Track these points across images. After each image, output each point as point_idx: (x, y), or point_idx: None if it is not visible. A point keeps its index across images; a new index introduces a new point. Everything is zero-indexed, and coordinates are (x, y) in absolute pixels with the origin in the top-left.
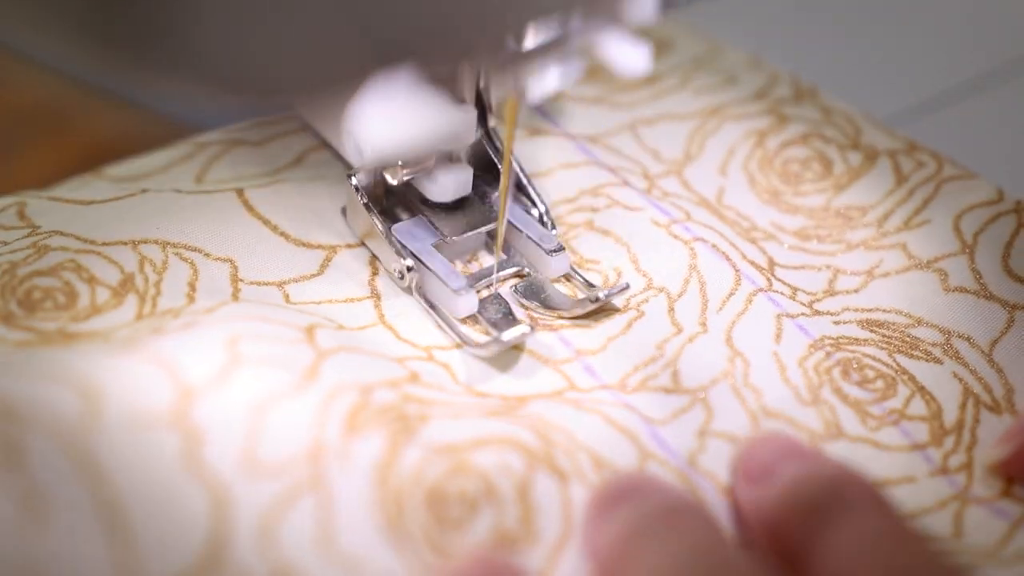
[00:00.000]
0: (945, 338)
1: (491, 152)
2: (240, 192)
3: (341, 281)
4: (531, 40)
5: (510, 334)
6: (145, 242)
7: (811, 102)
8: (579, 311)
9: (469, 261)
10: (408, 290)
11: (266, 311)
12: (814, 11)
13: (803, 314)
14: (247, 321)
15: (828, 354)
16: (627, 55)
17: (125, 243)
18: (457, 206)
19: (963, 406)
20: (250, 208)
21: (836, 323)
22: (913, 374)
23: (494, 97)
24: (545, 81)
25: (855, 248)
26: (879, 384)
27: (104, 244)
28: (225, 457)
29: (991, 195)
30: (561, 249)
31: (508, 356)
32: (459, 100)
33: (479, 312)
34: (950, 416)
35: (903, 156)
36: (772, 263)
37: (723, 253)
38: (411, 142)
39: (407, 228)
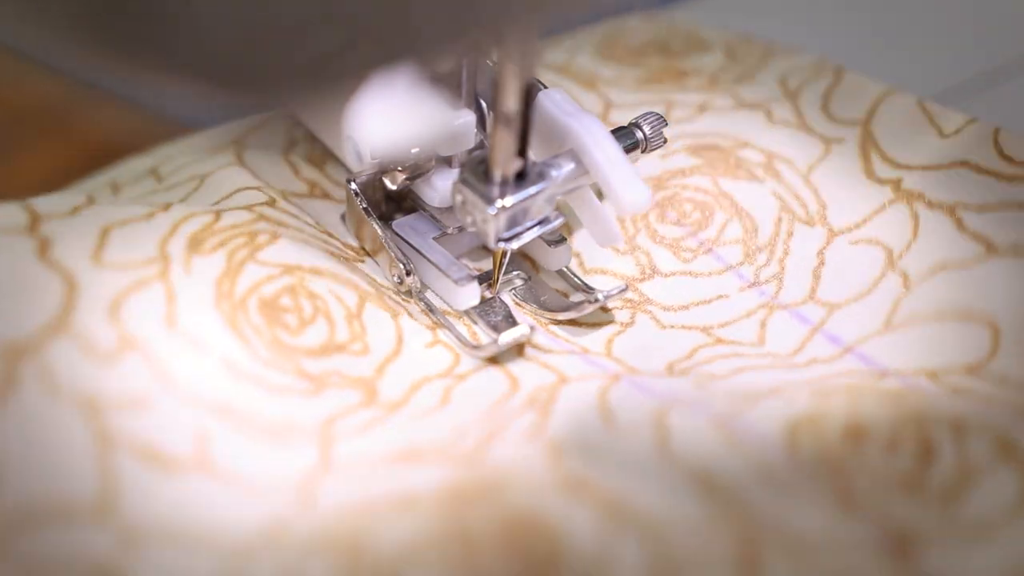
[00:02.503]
0: (767, 159)
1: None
2: None
3: None
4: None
5: (509, 335)
6: None
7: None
8: (577, 313)
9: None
10: (408, 295)
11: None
12: None
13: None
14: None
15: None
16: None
17: None
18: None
19: (778, 221)
20: None
21: (663, 157)
22: (732, 196)
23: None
24: (525, 236)
25: (689, 92)
26: (695, 216)
27: None
28: (75, 256)
29: (814, 60)
30: (563, 240)
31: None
32: (458, 105)
33: (479, 314)
34: (765, 232)
35: (737, 41)
36: (609, 105)
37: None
38: (410, 147)
39: (408, 223)
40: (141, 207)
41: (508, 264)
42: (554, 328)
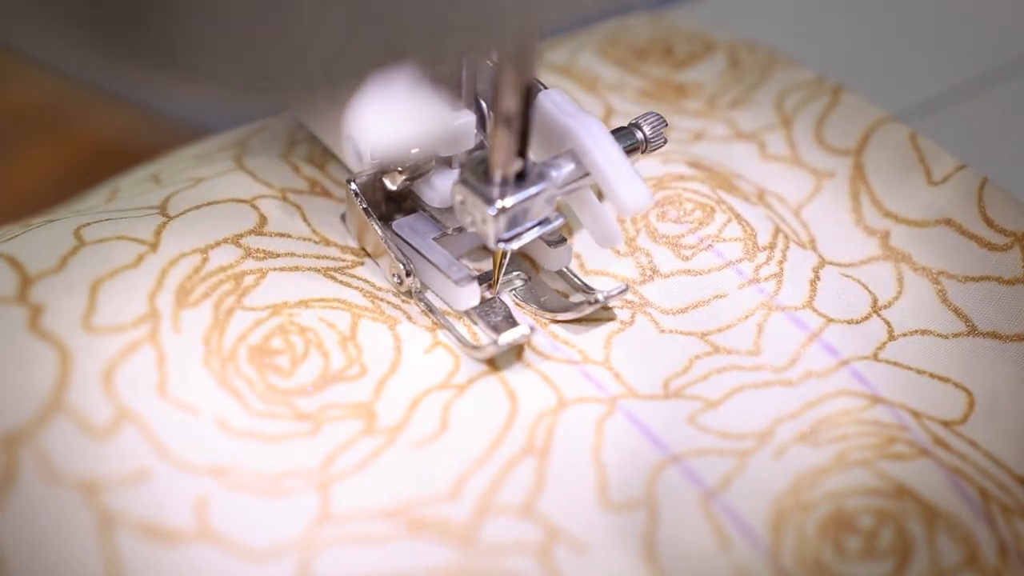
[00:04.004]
0: (759, 192)
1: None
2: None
3: None
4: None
5: (508, 336)
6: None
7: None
8: (577, 314)
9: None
10: (408, 295)
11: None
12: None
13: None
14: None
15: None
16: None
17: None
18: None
19: (776, 234)
20: None
21: (664, 162)
22: (731, 204)
23: None
24: (524, 237)
25: (686, 115)
26: (697, 215)
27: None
28: (66, 322)
29: (813, 77)
30: (563, 241)
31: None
32: (458, 105)
33: (480, 315)
34: (763, 238)
35: (740, 47)
36: (610, 111)
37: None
38: (410, 147)
39: (408, 223)
40: (129, 249)
41: (508, 264)
42: (554, 328)
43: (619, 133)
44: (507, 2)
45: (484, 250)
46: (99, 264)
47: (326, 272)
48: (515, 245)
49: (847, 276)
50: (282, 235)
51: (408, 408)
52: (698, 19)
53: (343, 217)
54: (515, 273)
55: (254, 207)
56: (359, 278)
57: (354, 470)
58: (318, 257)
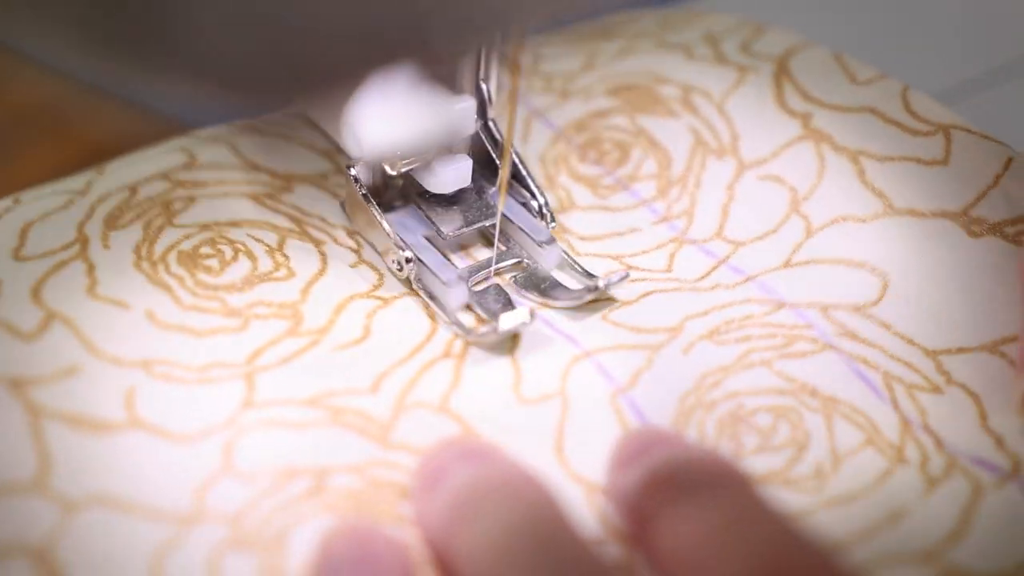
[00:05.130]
0: (684, 93)
1: (490, 144)
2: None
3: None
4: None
5: (507, 322)
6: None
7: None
8: (578, 301)
9: (466, 248)
10: (407, 281)
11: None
12: None
13: (551, 107)
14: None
15: (569, 140)
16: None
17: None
18: (455, 198)
19: (692, 155)
20: None
21: (585, 100)
22: (650, 133)
23: (494, 89)
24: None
25: (613, 40)
26: (615, 155)
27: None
28: None
29: (742, 18)
30: (552, 241)
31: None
32: (458, 92)
33: (479, 302)
34: (678, 167)
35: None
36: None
37: None
38: (410, 135)
39: (399, 219)
40: (62, 196)
41: (507, 252)
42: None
43: None
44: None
45: (474, 247)
46: (31, 212)
47: (255, 196)
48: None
49: (766, 178)
50: (212, 166)
51: (333, 312)
52: (787, 35)
53: (343, 205)
54: (514, 260)
55: (185, 150)
56: (287, 203)
57: (278, 363)
58: (248, 183)
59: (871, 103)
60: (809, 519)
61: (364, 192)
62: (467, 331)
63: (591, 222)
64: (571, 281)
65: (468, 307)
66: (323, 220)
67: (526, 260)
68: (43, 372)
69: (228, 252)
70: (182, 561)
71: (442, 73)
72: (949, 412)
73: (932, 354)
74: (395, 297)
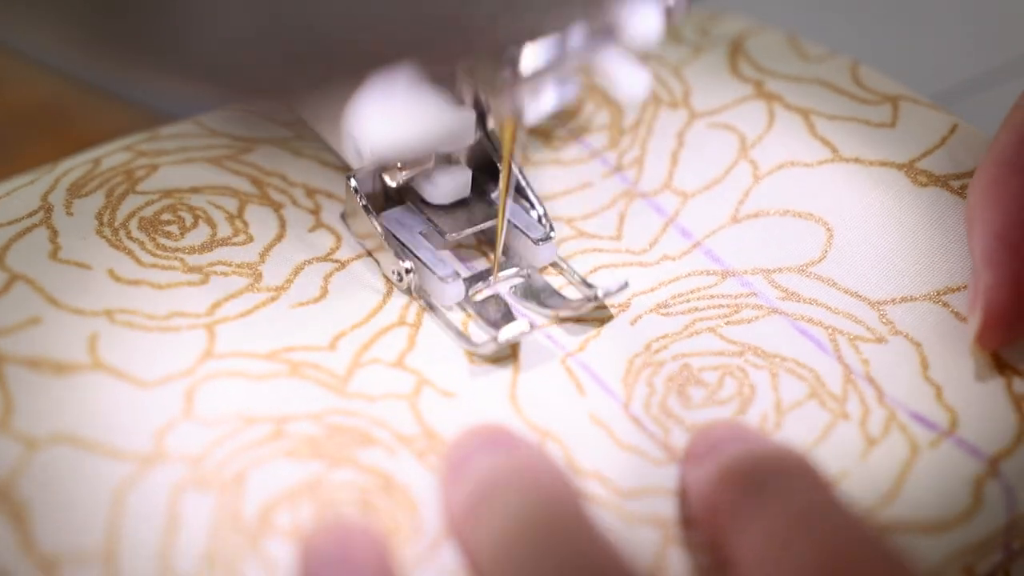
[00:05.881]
0: (641, 58)
1: (491, 154)
2: None
3: None
4: (528, 62)
5: (507, 333)
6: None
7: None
8: (577, 311)
9: (465, 262)
10: (407, 292)
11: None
12: None
13: None
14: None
15: None
16: (628, 78)
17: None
18: (455, 207)
19: (645, 107)
20: None
21: None
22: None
23: (493, 112)
24: (541, 103)
25: None
26: (568, 108)
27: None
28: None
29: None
30: (548, 238)
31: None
32: (458, 102)
33: (478, 312)
34: (631, 115)
35: None
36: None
37: None
38: (410, 143)
39: (395, 216)
40: (28, 176)
41: (507, 262)
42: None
43: None
44: (495, 5)
45: (471, 247)
46: None
47: (215, 160)
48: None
49: (716, 126)
50: (174, 136)
51: (292, 272)
52: (743, 19)
53: (343, 215)
54: (515, 270)
55: (150, 131)
56: (248, 163)
57: (238, 316)
58: (208, 147)
59: (822, 76)
60: None
61: (364, 203)
62: (467, 341)
63: (545, 179)
64: (570, 290)
65: (468, 316)
66: (283, 179)
67: (526, 270)
68: (5, 324)
69: (188, 219)
70: (143, 498)
71: (442, 81)
72: (891, 361)
73: (876, 305)
74: (351, 259)
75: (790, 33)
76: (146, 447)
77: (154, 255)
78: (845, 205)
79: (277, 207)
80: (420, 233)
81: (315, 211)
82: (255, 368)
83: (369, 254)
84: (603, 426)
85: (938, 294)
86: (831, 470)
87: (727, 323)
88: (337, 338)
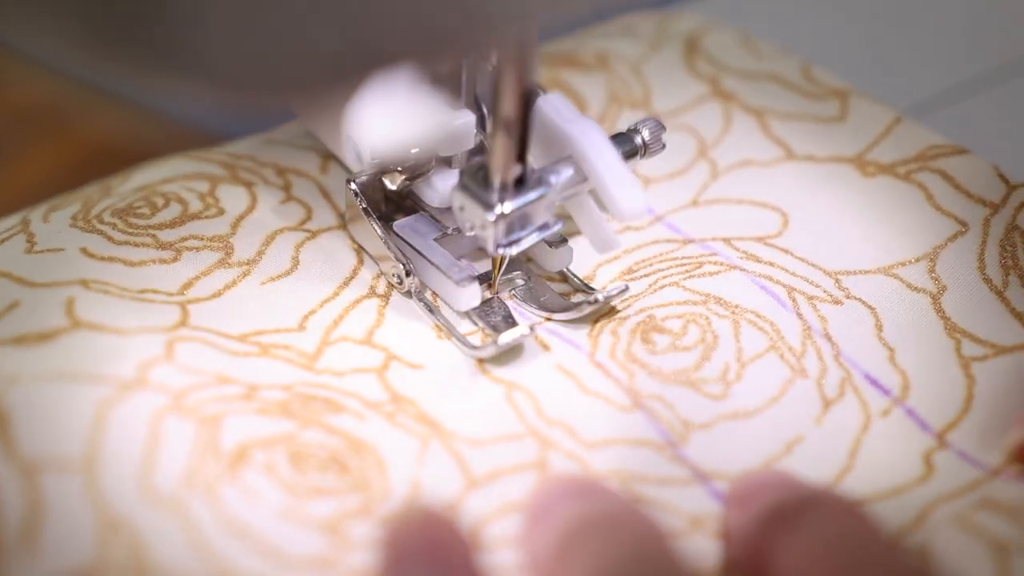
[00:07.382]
0: (601, 57)
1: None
2: None
3: None
4: (509, 204)
5: (508, 336)
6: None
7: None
8: (577, 314)
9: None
10: (407, 295)
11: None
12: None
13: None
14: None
15: None
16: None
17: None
18: None
19: (607, 107)
20: None
21: None
22: (567, 82)
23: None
24: (523, 244)
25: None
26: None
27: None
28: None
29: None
30: (564, 241)
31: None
32: (458, 105)
33: (479, 315)
34: (594, 112)
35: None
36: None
37: None
38: (410, 147)
39: (409, 224)
40: (17, 215)
41: (508, 265)
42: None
43: (618, 138)
44: (503, 3)
45: (484, 251)
46: None
47: (187, 153)
48: (514, 250)
49: (676, 127)
50: (146, 140)
51: (263, 243)
52: (698, 18)
53: (343, 218)
54: (515, 273)
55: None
56: (220, 151)
57: (210, 297)
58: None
59: (775, 71)
60: (712, 430)
61: (364, 206)
62: (468, 344)
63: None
64: (561, 288)
65: (471, 320)
66: (253, 160)
67: (526, 274)
68: None
69: (160, 202)
70: (125, 416)
71: (442, 84)
72: (847, 320)
73: (832, 274)
74: (322, 230)
75: (743, 31)
76: (129, 375)
77: (126, 232)
78: (800, 196)
79: (248, 185)
80: (434, 239)
81: (286, 187)
82: (228, 346)
83: (370, 256)
84: (570, 375)
85: (890, 268)
86: (788, 433)
87: (689, 277)
88: (306, 317)
